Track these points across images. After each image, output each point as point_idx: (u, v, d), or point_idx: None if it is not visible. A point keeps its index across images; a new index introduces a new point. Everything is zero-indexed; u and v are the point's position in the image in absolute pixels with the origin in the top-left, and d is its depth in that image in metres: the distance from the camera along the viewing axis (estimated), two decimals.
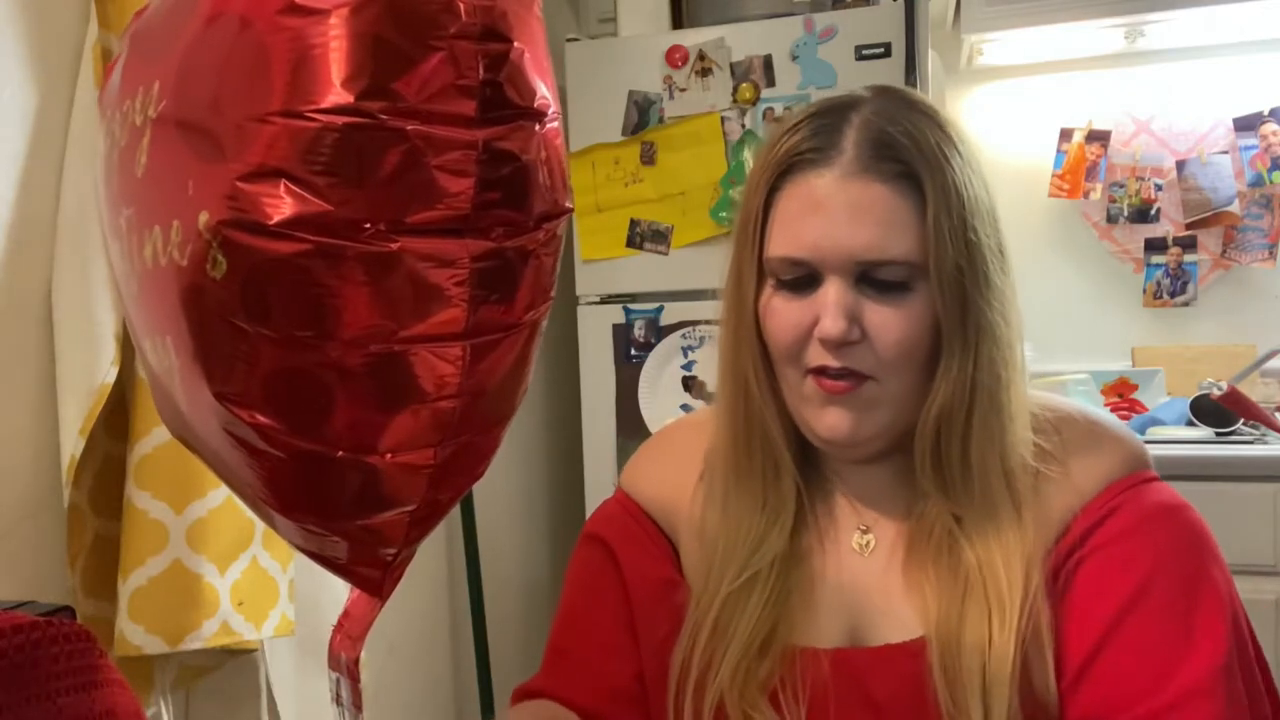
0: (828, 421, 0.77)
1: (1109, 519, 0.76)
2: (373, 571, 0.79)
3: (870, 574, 0.81)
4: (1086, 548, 0.76)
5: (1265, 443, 1.94)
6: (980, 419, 0.76)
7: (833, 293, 0.74)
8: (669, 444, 0.94)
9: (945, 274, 0.74)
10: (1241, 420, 1.97)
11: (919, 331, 0.75)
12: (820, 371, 0.76)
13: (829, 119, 0.77)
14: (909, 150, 0.74)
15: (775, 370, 0.80)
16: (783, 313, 0.77)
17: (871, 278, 0.74)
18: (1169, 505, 0.77)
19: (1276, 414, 2.01)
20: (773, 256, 0.78)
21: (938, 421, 0.76)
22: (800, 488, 0.83)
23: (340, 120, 0.61)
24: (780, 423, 0.81)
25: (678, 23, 2.30)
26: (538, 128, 0.68)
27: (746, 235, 0.80)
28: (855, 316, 0.74)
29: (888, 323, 0.74)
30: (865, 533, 0.83)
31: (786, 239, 0.77)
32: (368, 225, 0.63)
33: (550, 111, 0.69)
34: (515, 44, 0.65)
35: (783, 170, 0.78)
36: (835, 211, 0.74)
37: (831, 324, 0.74)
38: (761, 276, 0.79)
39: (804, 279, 0.76)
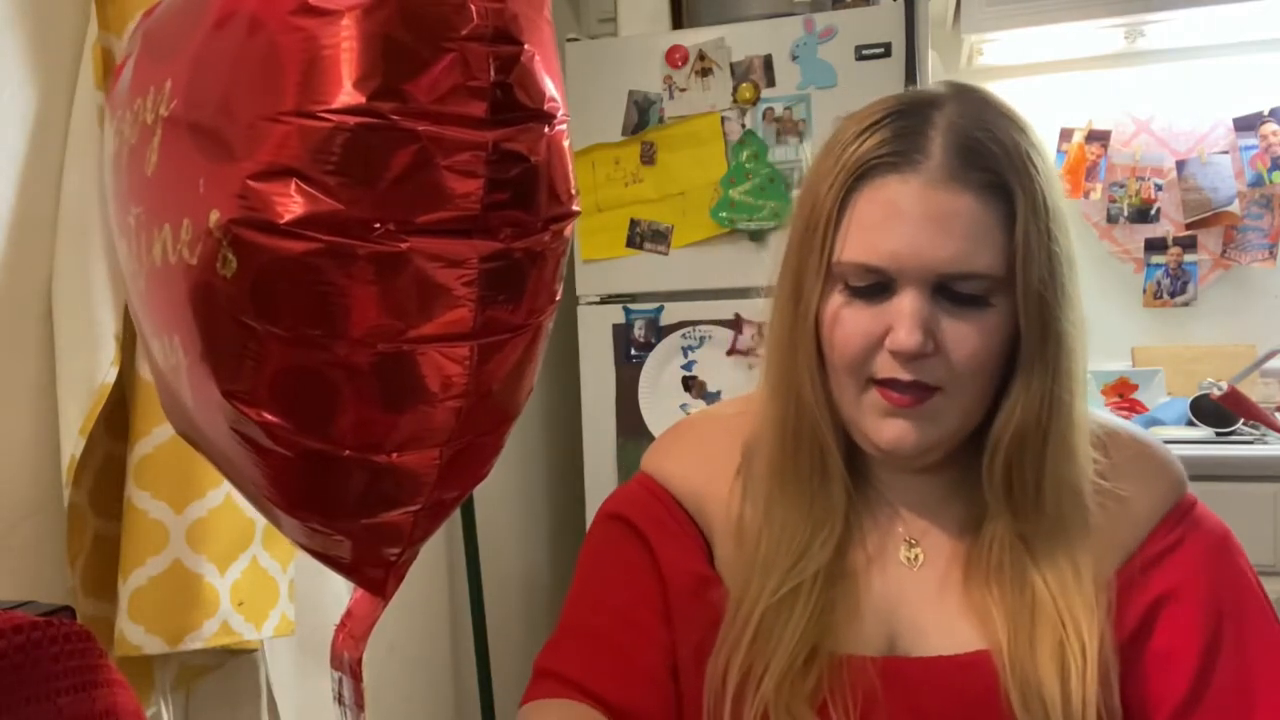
0: (891, 434, 0.74)
1: (1173, 555, 0.77)
2: (376, 571, 0.79)
3: (918, 586, 0.79)
4: (1155, 585, 0.76)
5: (1265, 443, 1.94)
6: (1058, 435, 0.74)
7: (909, 304, 0.71)
8: (698, 434, 0.89)
9: (1030, 289, 0.71)
10: (1241, 420, 1.97)
11: (994, 345, 0.73)
12: (887, 383, 0.73)
13: (911, 120, 0.73)
14: (999, 159, 0.71)
15: (830, 376, 0.77)
16: (851, 321, 0.74)
17: (950, 290, 0.72)
18: (1222, 535, 0.80)
19: (1276, 414, 2.01)
20: (846, 261, 0.73)
21: (1014, 439, 0.74)
22: (850, 495, 0.80)
23: (352, 120, 0.61)
24: (833, 433, 0.78)
25: (678, 23, 2.30)
26: (547, 129, 0.68)
27: (815, 237, 0.75)
28: (930, 329, 0.71)
29: (965, 337, 0.72)
30: (913, 545, 0.80)
31: (863, 245, 0.73)
32: (378, 225, 0.63)
33: (559, 114, 0.69)
34: (526, 46, 0.65)
35: (861, 172, 0.73)
36: (919, 221, 0.71)
37: (907, 336, 0.71)
38: (827, 281, 0.75)
39: (876, 286, 0.73)
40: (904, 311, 0.71)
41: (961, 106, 0.74)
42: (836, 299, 0.75)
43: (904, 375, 0.72)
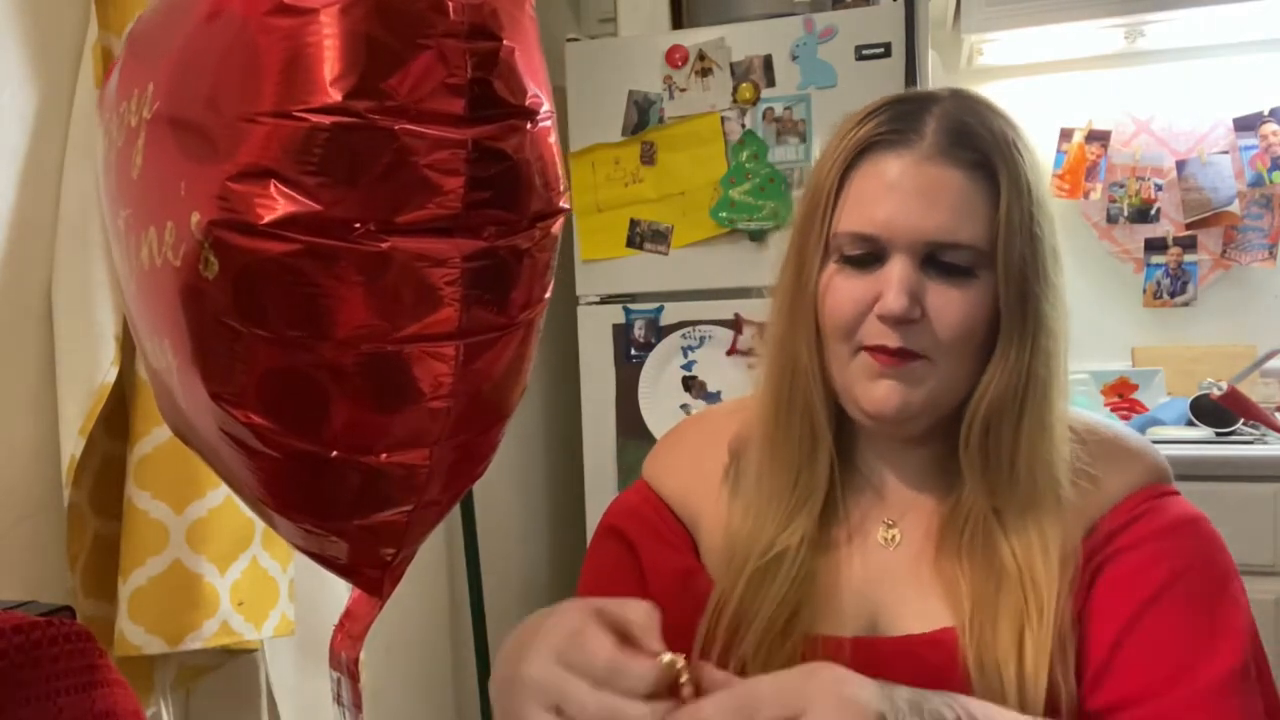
0: (877, 395, 0.77)
1: (1133, 525, 0.78)
2: (373, 571, 0.79)
3: (895, 566, 0.82)
4: (1110, 549, 0.77)
5: (1265, 443, 1.94)
6: (1033, 410, 0.77)
7: (898, 270, 0.75)
8: (693, 435, 0.94)
9: (1011, 264, 0.75)
10: (1241, 420, 1.97)
11: (978, 317, 0.76)
12: (875, 349, 0.77)
13: (908, 106, 0.79)
14: (986, 141, 0.77)
15: (825, 349, 0.80)
16: (843, 289, 0.78)
17: (937, 260, 0.76)
18: (1191, 516, 0.79)
19: (1276, 414, 2.01)
20: (841, 232, 0.78)
21: (990, 410, 0.77)
22: (835, 470, 0.83)
23: (329, 120, 0.61)
24: (824, 403, 0.81)
25: (678, 23, 2.30)
26: (529, 126, 0.67)
27: (815, 214, 0.80)
28: (917, 296, 0.75)
29: (950, 304, 0.75)
30: (891, 527, 0.83)
31: (858, 215, 0.77)
32: (358, 225, 0.63)
33: (542, 110, 0.69)
34: (505, 42, 0.64)
35: (859, 151, 0.79)
36: (910, 192, 0.76)
37: (895, 300, 0.74)
38: (825, 254, 0.80)
39: (869, 256, 0.77)
40: (893, 277, 0.75)
41: (956, 100, 0.80)
42: (832, 269, 0.79)
43: (891, 341, 0.76)
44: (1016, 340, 0.76)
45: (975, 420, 0.77)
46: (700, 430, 0.94)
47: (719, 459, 0.88)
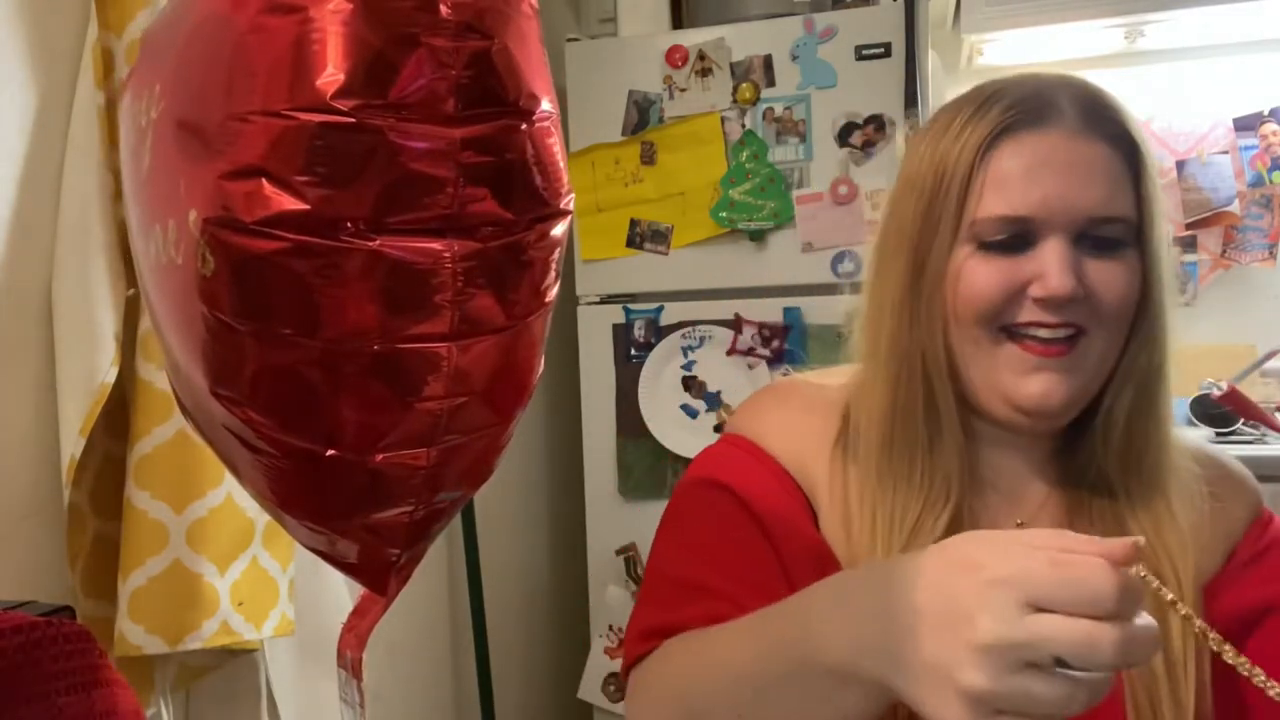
0: (1034, 389, 0.74)
1: (1264, 557, 0.80)
2: (379, 571, 0.79)
3: None
4: (1257, 589, 0.78)
5: (1265, 443, 1.94)
6: (1165, 388, 0.78)
7: (1058, 250, 0.72)
8: (793, 395, 0.88)
9: (1157, 238, 0.75)
10: (1241, 420, 1.97)
11: (1135, 291, 0.75)
12: (1030, 331, 0.74)
13: (1028, 89, 0.77)
14: (1122, 114, 0.76)
15: (955, 334, 0.76)
16: (986, 273, 0.74)
17: (1092, 236, 0.74)
18: None
19: (1276, 414, 2.01)
20: (985, 217, 0.74)
21: (1137, 386, 0.76)
22: (964, 465, 0.78)
23: (317, 119, 0.61)
24: (956, 405, 0.78)
25: (678, 23, 2.30)
26: (524, 126, 0.66)
27: (947, 200, 0.76)
28: (1079, 274, 0.73)
29: (1112, 279, 0.73)
30: (1022, 526, 0.80)
31: (1006, 198, 0.74)
32: (349, 224, 0.62)
33: (540, 109, 0.68)
34: (497, 40, 0.64)
35: (996, 133, 0.75)
36: (1063, 169, 0.73)
37: (1060, 282, 0.71)
38: (954, 244, 0.76)
39: (1014, 240, 0.74)
40: (1052, 258, 0.73)
41: (1078, 81, 0.79)
42: (964, 257, 0.75)
43: (1050, 318, 0.73)
44: (1159, 316, 0.76)
45: (1121, 396, 0.76)
46: (806, 392, 0.87)
47: (828, 423, 0.82)
